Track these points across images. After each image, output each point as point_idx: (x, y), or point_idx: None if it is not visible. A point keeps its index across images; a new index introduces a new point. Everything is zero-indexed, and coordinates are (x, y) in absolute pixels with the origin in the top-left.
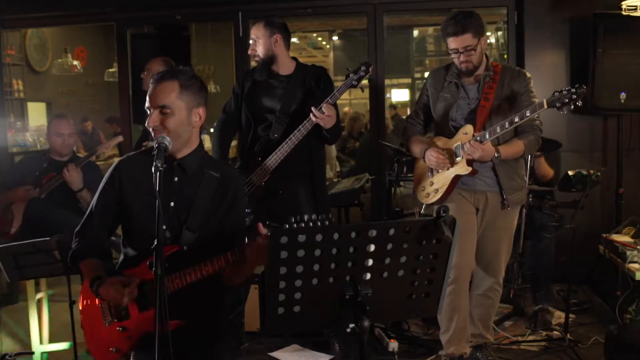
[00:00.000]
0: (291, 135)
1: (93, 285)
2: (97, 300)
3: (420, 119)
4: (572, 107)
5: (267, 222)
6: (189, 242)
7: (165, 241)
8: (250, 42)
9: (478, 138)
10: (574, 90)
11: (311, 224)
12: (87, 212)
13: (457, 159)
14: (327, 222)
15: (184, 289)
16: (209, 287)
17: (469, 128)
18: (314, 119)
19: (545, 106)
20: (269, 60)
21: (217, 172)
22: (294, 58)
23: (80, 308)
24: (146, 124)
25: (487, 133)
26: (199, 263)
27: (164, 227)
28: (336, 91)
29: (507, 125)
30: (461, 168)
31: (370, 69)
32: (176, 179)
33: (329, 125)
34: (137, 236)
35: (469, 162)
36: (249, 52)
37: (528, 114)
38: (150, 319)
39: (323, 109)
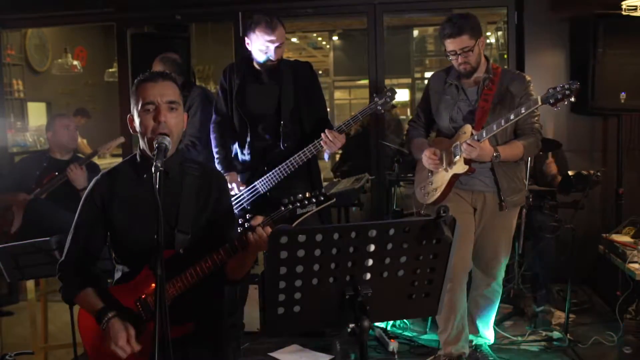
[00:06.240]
0: (305, 150)
1: (101, 322)
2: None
3: (422, 122)
4: (566, 103)
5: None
6: (183, 245)
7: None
8: (274, 46)
9: (475, 137)
10: (567, 86)
11: (306, 201)
12: (69, 241)
13: (455, 158)
14: (321, 197)
15: (186, 292)
16: (209, 289)
17: (467, 128)
18: (325, 140)
19: (540, 103)
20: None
21: (197, 170)
22: None
23: (81, 331)
24: (153, 120)
25: (484, 131)
26: (198, 261)
27: (154, 235)
28: (359, 113)
29: (503, 123)
30: (459, 167)
31: (395, 95)
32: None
33: (332, 150)
34: (128, 250)
35: (467, 161)
36: (276, 57)
37: (523, 111)
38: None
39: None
